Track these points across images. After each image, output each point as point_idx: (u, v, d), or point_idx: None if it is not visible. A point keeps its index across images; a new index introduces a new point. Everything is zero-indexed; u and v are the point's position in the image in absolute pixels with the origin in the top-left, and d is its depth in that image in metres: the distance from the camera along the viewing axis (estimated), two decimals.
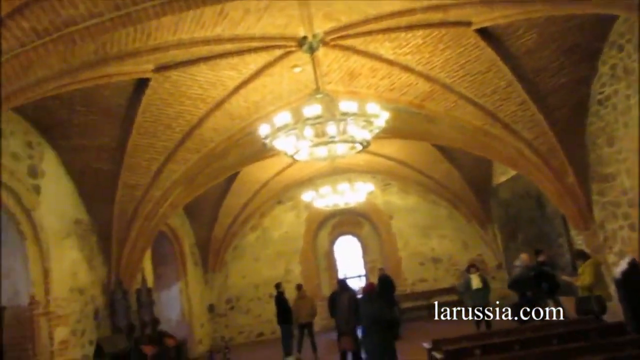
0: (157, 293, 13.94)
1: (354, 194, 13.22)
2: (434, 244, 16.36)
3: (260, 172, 14.38)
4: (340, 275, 15.66)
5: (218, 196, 14.65)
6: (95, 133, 8.53)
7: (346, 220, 17.53)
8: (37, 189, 8.32)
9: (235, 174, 13.83)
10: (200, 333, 14.90)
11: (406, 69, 8.43)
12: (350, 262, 17.54)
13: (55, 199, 8.73)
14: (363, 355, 10.28)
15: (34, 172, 8.32)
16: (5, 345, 7.50)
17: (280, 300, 12.35)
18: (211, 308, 15.96)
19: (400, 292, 15.86)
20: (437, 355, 5.85)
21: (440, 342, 6.44)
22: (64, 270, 8.62)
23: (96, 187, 9.29)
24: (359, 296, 9.41)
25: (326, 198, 13.04)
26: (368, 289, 8.02)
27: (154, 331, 10.48)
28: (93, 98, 7.71)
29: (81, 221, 9.39)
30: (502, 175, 14.32)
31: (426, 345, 6.75)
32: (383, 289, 11.85)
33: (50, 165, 8.77)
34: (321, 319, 13.96)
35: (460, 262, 16.12)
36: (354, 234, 17.72)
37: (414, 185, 16.34)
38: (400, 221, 16.57)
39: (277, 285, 12.65)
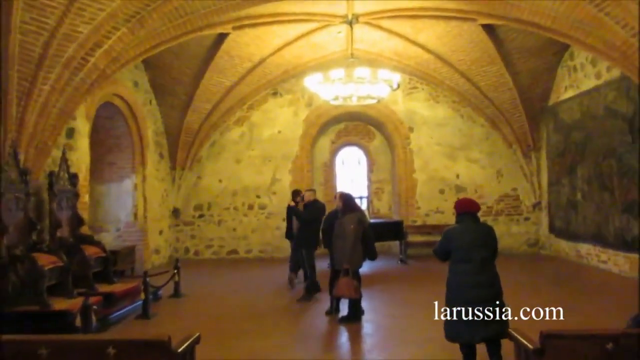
0: (105, 185, 10.95)
1: (374, 86, 9.76)
2: (460, 169, 13.07)
3: (253, 44, 10.80)
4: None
5: (195, 71, 11.17)
6: None
7: (354, 128, 14.17)
8: None
9: (219, 42, 10.28)
10: (158, 241, 11.96)
11: None
12: (353, 180, 14.40)
13: None
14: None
15: None
16: None
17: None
18: (176, 213, 12.92)
19: (411, 222, 12.86)
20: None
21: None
22: None
23: None
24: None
25: (337, 86, 9.58)
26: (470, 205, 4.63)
27: (73, 234, 7.41)
28: None
29: None
30: (570, 89, 10.89)
31: None
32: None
33: None
34: None
35: (488, 195, 12.97)
36: (361, 146, 14.41)
37: (447, 92, 12.83)
38: (422, 136, 13.18)
39: (296, 193, 9.38)
